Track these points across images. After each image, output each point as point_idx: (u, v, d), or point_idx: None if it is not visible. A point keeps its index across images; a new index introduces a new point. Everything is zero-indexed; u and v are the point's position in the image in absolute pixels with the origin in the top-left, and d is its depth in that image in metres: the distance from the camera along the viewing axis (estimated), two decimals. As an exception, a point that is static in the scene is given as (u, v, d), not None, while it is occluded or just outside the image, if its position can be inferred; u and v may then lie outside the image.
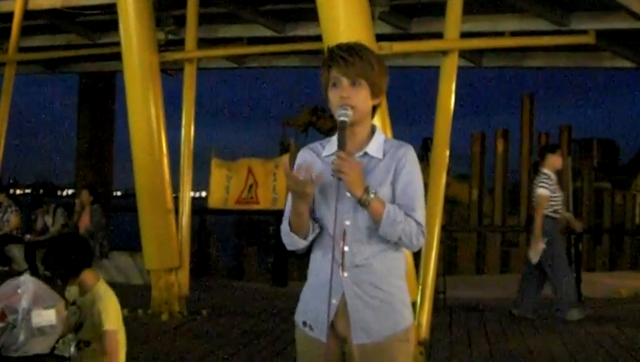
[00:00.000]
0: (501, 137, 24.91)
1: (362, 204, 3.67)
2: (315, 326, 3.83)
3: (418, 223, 3.72)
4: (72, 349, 5.42)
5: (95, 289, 5.75)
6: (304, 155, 3.97)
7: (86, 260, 5.81)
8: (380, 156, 3.81)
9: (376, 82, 3.81)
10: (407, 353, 3.88)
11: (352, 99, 3.75)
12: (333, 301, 3.76)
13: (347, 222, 3.76)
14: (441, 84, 9.77)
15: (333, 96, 3.79)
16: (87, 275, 5.77)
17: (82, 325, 5.71)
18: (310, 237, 3.83)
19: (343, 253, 3.76)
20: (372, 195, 3.65)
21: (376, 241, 3.75)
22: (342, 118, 3.74)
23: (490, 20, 12.62)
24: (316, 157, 3.91)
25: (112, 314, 5.71)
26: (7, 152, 15.11)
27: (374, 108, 3.90)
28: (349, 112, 3.74)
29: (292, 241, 3.85)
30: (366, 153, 3.82)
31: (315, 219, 3.86)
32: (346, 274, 3.76)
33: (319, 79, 3.93)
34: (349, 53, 3.78)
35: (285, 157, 3.27)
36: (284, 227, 3.84)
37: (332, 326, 3.79)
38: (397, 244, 3.76)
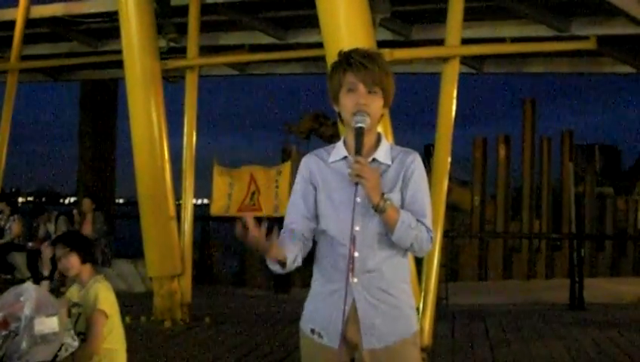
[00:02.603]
0: (503, 143, 24.81)
1: (378, 210, 3.65)
2: (325, 334, 3.82)
3: (428, 229, 3.76)
4: (76, 343, 5.42)
5: (92, 280, 5.98)
6: (309, 161, 3.94)
7: (95, 257, 6.13)
8: (389, 162, 3.81)
9: (389, 91, 3.82)
10: (416, 357, 3.89)
11: (368, 106, 3.74)
12: (345, 307, 3.74)
13: (357, 228, 3.74)
14: (442, 91, 9.79)
15: (349, 101, 3.76)
16: (87, 269, 6.02)
17: (80, 316, 5.76)
18: (289, 268, 3.77)
19: (353, 258, 3.74)
20: (389, 201, 3.65)
21: (385, 247, 3.75)
22: (359, 125, 3.73)
23: (491, 27, 12.61)
24: (322, 163, 3.89)
25: (106, 299, 5.82)
26: (9, 160, 15.13)
27: (380, 117, 3.89)
28: (367, 119, 3.73)
29: (270, 265, 3.80)
30: (374, 159, 3.81)
31: (319, 230, 3.87)
32: (355, 280, 3.75)
33: (328, 82, 3.90)
34: (368, 59, 3.76)
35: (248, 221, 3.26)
36: None
37: (344, 332, 3.77)
38: (406, 250, 3.78)
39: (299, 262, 3.80)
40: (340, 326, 3.75)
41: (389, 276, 3.79)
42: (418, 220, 3.72)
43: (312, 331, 3.87)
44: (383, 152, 3.84)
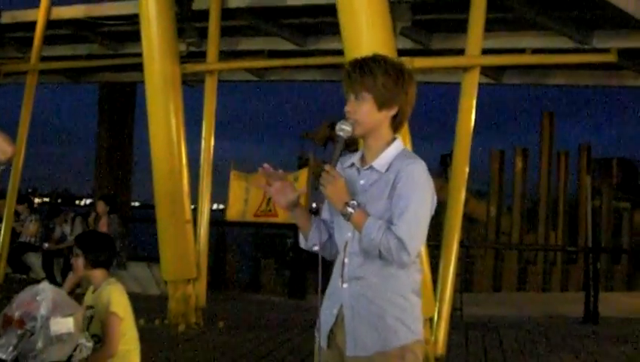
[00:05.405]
0: (520, 155, 24.85)
1: (344, 217, 3.72)
2: (320, 335, 3.93)
3: (400, 238, 3.62)
4: (90, 344, 5.42)
5: (105, 282, 5.98)
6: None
7: (110, 261, 6.04)
8: (383, 170, 3.79)
9: (382, 93, 3.78)
10: None
11: (354, 113, 3.81)
12: (334, 311, 3.84)
13: (349, 234, 3.81)
14: (461, 101, 9.78)
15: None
16: (99, 272, 5.99)
17: (92, 318, 5.77)
18: (311, 243, 3.97)
19: (344, 264, 3.83)
20: (350, 209, 3.67)
21: (373, 255, 3.72)
22: (339, 133, 3.82)
23: (512, 37, 12.60)
24: (340, 169, 3.93)
25: (119, 302, 5.82)
26: (26, 161, 15.18)
27: (395, 118, 3.87)
28: (347, 128, 3.79)
29: (300, 237, 4.06)
30: (372, 167, 3.83)
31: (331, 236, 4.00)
32: (345, 286, 3.81)
33: None
34: (353, 67, 3.84)
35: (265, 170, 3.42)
36: None
37: (334, 335, 3.86)
38: (384, 258, 3.69)
39: (322, 241, 3.96)
40: (327, 329, 3.87)
41: (377, 286, 3.76)
42: (389, 228, 3.64)
43: (318, 330, 3.96)
44: (383, 160, 3.82)
